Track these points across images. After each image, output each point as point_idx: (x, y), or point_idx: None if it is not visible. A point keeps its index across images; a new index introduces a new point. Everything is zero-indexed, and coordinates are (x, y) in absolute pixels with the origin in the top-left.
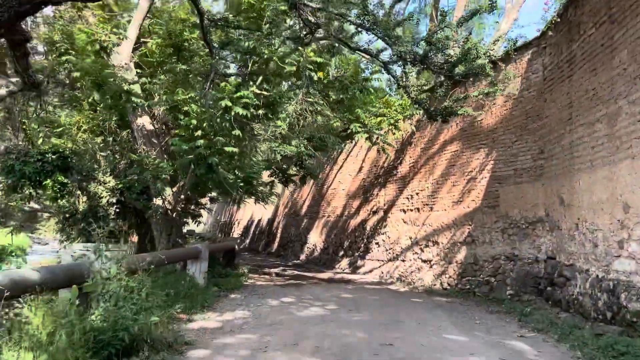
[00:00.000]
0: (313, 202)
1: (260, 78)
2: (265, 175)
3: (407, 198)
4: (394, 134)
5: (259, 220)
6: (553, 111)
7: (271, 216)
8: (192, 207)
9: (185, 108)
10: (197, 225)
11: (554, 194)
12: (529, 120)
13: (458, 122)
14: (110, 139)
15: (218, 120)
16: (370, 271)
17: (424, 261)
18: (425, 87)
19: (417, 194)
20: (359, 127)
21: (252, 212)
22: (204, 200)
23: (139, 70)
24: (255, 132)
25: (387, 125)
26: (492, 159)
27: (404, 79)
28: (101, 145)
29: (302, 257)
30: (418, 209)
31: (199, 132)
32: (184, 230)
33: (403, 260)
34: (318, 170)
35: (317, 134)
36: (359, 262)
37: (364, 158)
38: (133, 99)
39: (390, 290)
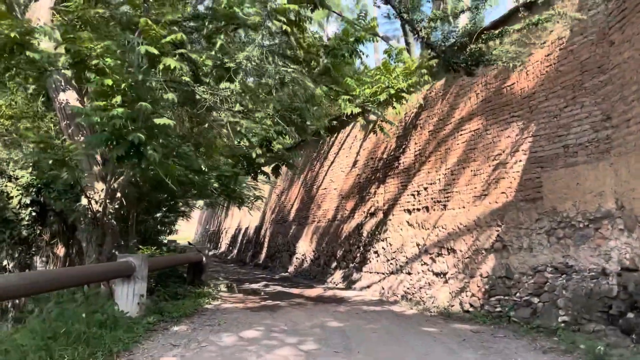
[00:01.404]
0: (302, 205)
1: (208, 24)
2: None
3: (413, 195)
4: (394, 107)
5: (246, 229)
6: (626, 57)
7: (258, 223)
8: (161, 213)
9: (96, 62)
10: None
11: (631, 176)
12: (586, 76)
13: (479, 92)
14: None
15: (140, 77)
16: (369, 286)
17: (437, 274)
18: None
19: (425, 189)
20: (348, 100)
21: (239, 220)
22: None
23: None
24: (201, 97)
25: (385, 97)
26: (529, 135)
27: (409, 9)
28: (28, 131)
29: (291, 269)
30: (427, 208)
31: (118, 98)
32: (164, 240)
33: (409, 273)
34: (296, 158)
35: (290, 101)
36: (355, 275)
37: (358, 150)
38: (38, 58)
39: (394, 313)
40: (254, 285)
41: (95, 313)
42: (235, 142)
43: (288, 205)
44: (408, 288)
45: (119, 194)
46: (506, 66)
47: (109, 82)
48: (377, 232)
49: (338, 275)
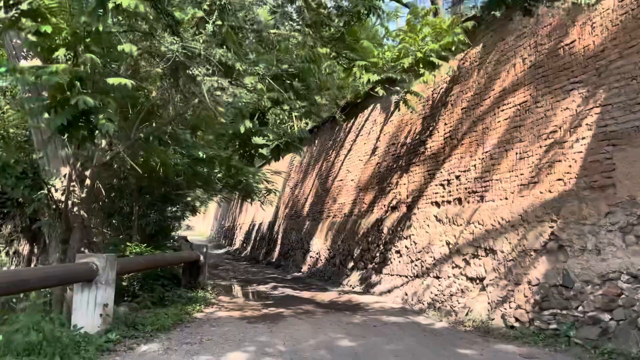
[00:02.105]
0: (316, 199)
1: None
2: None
3: (442, 185)
4: (421, 75)
5: (260, 225)
6: None
7: (272, 219)
8: (166, 207)
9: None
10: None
11: None
12: None
13: (526, 56)
14: None
15: (84, 19)
16: (389, 291)
17: (471, 279)
18: None
19: (457, 177)
20: (364, 67)
21: (253, 215)
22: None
23: None
24: (168, 50)
25: (411, 61)
26: (597, 105)
27: None
28: None
29: (305, 268)
30: (459, 200)
31: (62, 51)
32: (177, 235)
33: (437, 277)
34: (303, 138)
35: (290, 58)
36: (374, 278)
37: (378, 135)
38: None
39: (420, 326)
40: (262, 287)
41: (19, 333)
42: (224, 118)
43: (302, 199)
44: (436, 295)
45: (88, 181)
46: (571, 11)
47: (48, 29)
48: (399, 229)
49: (355, 277)
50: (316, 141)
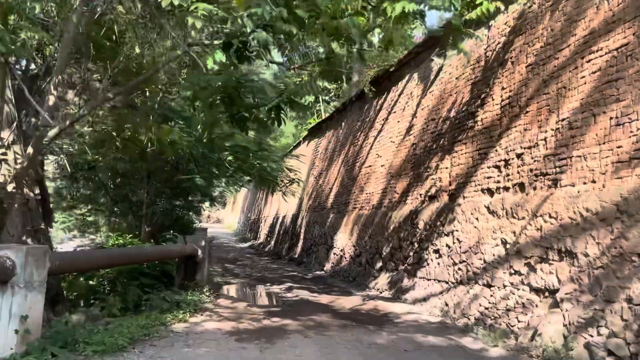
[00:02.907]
0: (342, 189)
1: None
2: None
3: (497, 167)
4: (471, 9)
5: (283, 217)
6: None
7: (295, 211)
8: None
9: None
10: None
11: None
12: None
13: None
14: None
15: None
16: (425, 299)
17: (538, 291)
18: None
19: (519, 155)
20: None
21: (277, 207)
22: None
23: None
24: None
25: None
26: None
27: None
28: None
29: (328, 266)
30: (521, 186)
31: None
32: (196, 226)
33: (489, 286)
34: (312, 90)
35: None
36: (406, 282)
37: (415, 110)
38: None
39: (467, 353)
40: (275, 288)
41: None
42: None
43: (326, 189)
44: (487, 308)
45: (30, 151)
46: None
47: None
48: (439, 223)
49: (383, 280)
50: (343, 123)
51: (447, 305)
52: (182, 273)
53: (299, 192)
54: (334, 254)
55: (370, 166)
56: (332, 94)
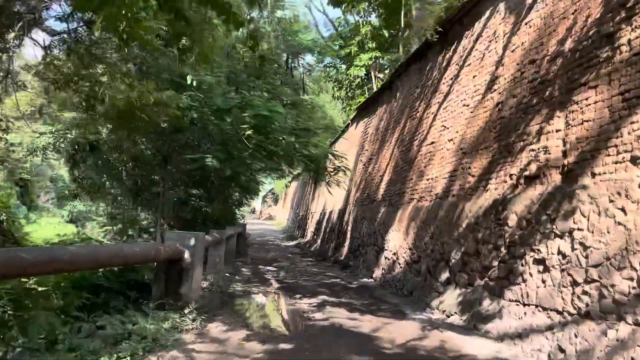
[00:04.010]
0: (395, 175)
1: None
2: None
3: None
4: None
5: (330, 213)
6: None
7: (342, 206)
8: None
9: None
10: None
11: None
12: None
13: None
14: None
15: None
16: (520, 336)
17: None
18: None
19: None
20: None
21: (324, 202)
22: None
23: None
24: None
25: None
26: None
27: None
28: None
29: (377, 273)
30: None
31: None
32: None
33: (638, 324)
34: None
35: None
36: (487, 305)
37: (501, 56)
38: None
39: None
40: (304, 303)
41: None
42: None
43: (376, 177)
44: None
45: None
46: None
47: None
48: (544, 218)
49: (452, 298)
50: (397, 94)
51: (562, 351)
52: (161, 284)
53: (346, 183)
54: (385, 257)
55: (433, 143)
56: (386, 66)
